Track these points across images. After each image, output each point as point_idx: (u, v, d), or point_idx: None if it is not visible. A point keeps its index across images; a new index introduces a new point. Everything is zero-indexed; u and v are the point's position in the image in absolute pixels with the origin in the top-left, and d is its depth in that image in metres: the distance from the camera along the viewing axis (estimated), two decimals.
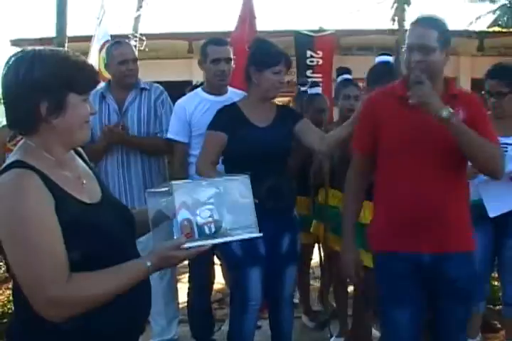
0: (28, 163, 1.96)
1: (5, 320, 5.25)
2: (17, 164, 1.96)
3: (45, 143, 2.05)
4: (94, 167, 4.48)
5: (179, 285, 5.56)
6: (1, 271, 7.06)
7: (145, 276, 2.09)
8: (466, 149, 2.97)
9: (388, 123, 3.14)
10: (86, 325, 1.98)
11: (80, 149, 2.32)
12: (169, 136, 4.49)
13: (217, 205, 2.20)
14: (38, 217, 1.88)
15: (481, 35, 16.73)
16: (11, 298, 5.48)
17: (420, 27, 3.05)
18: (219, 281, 5.61)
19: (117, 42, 4.79)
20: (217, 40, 4.52)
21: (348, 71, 5.20)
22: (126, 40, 4.95)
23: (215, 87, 4.48)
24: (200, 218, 2.14)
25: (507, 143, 4.14)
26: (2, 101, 2.05)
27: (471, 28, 20.69)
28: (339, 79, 5.19)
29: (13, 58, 2.01)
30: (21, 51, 2.06)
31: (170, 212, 2.14)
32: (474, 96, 3.32)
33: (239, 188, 2.29)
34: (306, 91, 5.71)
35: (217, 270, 5.14)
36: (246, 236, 2.27)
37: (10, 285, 5.76)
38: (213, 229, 2.17)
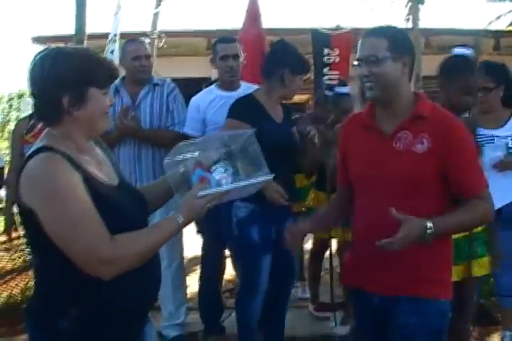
0: (54, 147, 2.14)
1: (24, 306, 5.45)
2: (44, 149, 2.14)
3: (68, 133, 2.22)
4: None
5: (192, 275, 5.76)
6: (20, 261, 7.24)
7: (179, 229, 2.28)
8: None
9: (353, 154, 2.91)
10: (100, 302, 2.17)
11: (99, 138, 2.51)
12: (185, 130, 4.69)
13: (230, 160, 2.36)
14: (72, 191, 2.06)
15: (497, 34, 16.76)
16: (29, 284, 5.73)
17: (368, 38, 2.70)
18: (229, 273, 5.74)
19: (132, 39, 4.98)
20: (225, 38, 4.75)
21: None
22: (142, 38, 5.09)
23: (226, 83, 4.69)
24: (216, 174, 2.31)
25: (494, 135, 4.36)
26: (29, 95, 2.25)
27: (491, 28, 20.69)
28: None
29: (38, 55, 2.20)
30: (46, 49, 2.25)
31: (188, 174, 2.31)
32: (451, 118, 2.74)
33: (245, 141, 2.43)
34: (327, 95, 5.79)
35: (228, 262, 5.28)
36: (260, 179, 2.39)
37: (29, 273, 6.00)
38: (230, 182, 2.33)
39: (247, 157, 2.41)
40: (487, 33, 16.55)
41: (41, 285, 2.30)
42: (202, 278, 5.05)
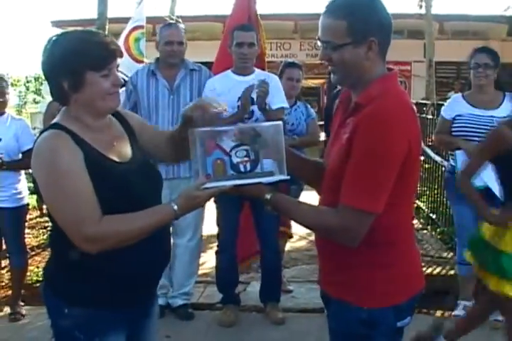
0: (63, 125, 2.28)
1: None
2: (54, 126, 2.29)
3: (75, 112, 2.32)
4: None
5: (209, 252, 6.00)
6: (43, 238, 7.49)
7: (173, 217, 2.31)
8: None
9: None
10: (109, 264, 2.28)
11: (123, 113, 2.62)
12: None
13: (252, 147, 2.31)
14: (70, 168, 2.18)
15: (511, 19, 16.83)
16: None
17: (326, 17, 2.26)
18: None
19: (169, 24, 5.16)
20: (244, 26, 4.98)
21: None
22: (178, 24, 5.21)
23: (240, 69, 4.93)
24: (235, 157, 2.29)
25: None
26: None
27: (507, 14, 20.77)
28: None
29: (46, 42, 2.35)
30: (55, 34, 2.39)
31: (204, 151, 2.30)
32: (380, 107, 2.17)
33: (272, 133, 2.35)
34: None
35: None
36: (275, 178, 2.35)
37: None
38: (248, 168, 2.31)
39: (269, 148, 2.35)
40: (500, 19, 16.62)
41: (54, 246, 2.50)
42: (218, 247, 5.20)
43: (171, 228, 4.80)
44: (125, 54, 8.47)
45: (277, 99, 4.87)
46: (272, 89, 4.77)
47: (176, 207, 2.27)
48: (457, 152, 4.82)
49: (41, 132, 2.33)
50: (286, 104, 4.96)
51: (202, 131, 2.29)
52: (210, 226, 5.60)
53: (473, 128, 4.75)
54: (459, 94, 5.14)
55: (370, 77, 2.27)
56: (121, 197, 2.27)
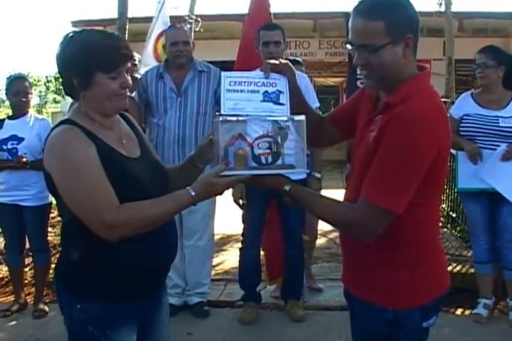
0: (74, 121, 2.31)
1: None
2: (66, 121, 2.32)
3: (85, 108, 2.35)
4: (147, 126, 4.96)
5: (231, 250, 6.01)
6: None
7: (190, 203, 2.30)
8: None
9: (356, 125, 2.50)
10: (118, 258, 2.32)
11: (128, 115, 2.68)
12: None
13: (275, 139, 2.29)
14: (84, 158, 2.22)
15: None
16: None
17: (360, 19, 2.18)
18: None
19: (173, 25, 5.23)
20: (269, 25, 5.00)
21: None
22: (183, 24, 5.27)
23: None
24: (258, 148, 2.26)
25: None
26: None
27: None
28: None
29: (63, 38, 2.40)
30: (71, 31, 2.44)
31: (226, 141, 2.26)
32: (411, 107, 2.13)
33: (295, 127, 2.34)
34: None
35: None
36: (295, 171, 2.35)
37: None
38: (270, 160, 2.28)
39: (291, 142, 2.33)
40: None
41: (64, 243, 2.53)
42: (243, 244, 5.20)
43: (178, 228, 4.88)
44: (153, 59, 8.48)
45: (309, 99, 4.87)
46: (303, 89, 4.78)
47: (193, 193, 2.27)
48: (459, 153, 4.86)
49: (53, 128, 2.36)
50: (318, 104, 5.00)
51: (227, 120, 2.28)
52: (230, 224, 5.64)
53: (478, 128, 4.77)
54: (468, 93, 5.10)
55: (404, 75, 2.22)
56: (131, 191, 2.29)
